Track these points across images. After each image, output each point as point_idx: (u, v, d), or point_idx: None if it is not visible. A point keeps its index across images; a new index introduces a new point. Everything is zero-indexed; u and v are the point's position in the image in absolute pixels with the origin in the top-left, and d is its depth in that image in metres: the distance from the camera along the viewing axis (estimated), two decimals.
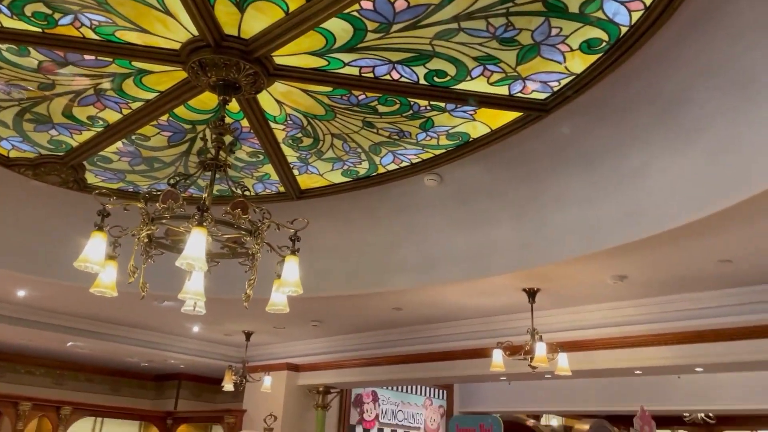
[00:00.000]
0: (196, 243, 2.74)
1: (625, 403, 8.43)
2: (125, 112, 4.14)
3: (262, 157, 4.78)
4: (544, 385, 9.05)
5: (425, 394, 10.41)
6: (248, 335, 8.08)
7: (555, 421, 11.80)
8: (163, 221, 3.03)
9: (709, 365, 5.64)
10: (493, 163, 4.62)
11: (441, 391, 10.65)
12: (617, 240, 4.32)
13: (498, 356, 5.75)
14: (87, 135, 4.45)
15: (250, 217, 3.14)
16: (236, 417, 8.69)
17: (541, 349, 5.32)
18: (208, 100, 3.96)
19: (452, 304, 6.14)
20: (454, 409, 10.62)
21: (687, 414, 11.56)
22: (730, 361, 5.36)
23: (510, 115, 4.05)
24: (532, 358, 5.36)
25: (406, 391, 10.07)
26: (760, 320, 5.02)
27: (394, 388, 9.83)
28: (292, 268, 3.07)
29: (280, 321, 7.23)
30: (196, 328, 8.06)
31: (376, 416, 9.54)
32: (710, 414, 11.54)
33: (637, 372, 6.22)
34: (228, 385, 7.71)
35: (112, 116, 4.20)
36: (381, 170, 4.89)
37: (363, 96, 3.88)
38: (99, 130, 4.38)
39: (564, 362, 5.57)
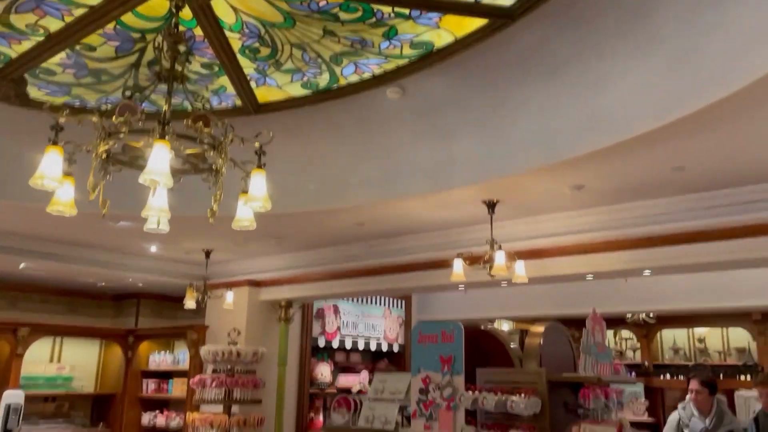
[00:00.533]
0: (160, 157, 2.64)
1: (575, 307, 8.82)
2: (68, 19, 3.86)
3: (217, 68, 4.58)
4: (499, 292, 9.42)
5: (384, 305, 10.71)
6: (208, 253, 8.05)
7: (506, 326, 12.41)
8: (121, 136, 2.90)
9: (657, 268, 5.94)
10: (456, 75, 4.56)
11: (399, 302, 10.98)
12: (577, 150, 4.38)
13: (458, 266, 5.91)
14: (27, 45, 4.15)
15: (212, 131, 3.04)
16: (199, 333, 8.79)
17: (500, 258, 5.49)
18: (157, 6, 3.72)
19: (414, 217, 6.21)
20: (412, 319, 11.00)
21: (630, 315, 12.32)
22: (677, 264, 5.66)
23: (475, 23, 3.96)
24: (491, 267, 5.54)
25: (366, 302, 10.34)
26: (707, 225, 5.26)
27: (355, 300, 10.07)
28: (259, 183, 3.01)
29: (241, 238, 7.20)
30: (153, 248, 7.97)
31: (338, 328, 9.80)
32: (651, 314, 12.33)
33: (589, 277, 6.52)
34: (190, 302, 7.74)
35: (53, 24, 3.91)
36: (342, 82, 4.76)
37: (324, 2, 3.71)
38: (40, 39, 4.08)
39: (521, 270, 5.78)
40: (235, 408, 7.36)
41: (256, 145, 3.10)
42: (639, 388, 9.37)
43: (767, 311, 11.12)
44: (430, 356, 4.86)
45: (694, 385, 4.73)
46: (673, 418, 4.83)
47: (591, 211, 5.72)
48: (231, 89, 4.88)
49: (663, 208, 5.33)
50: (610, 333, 13.36)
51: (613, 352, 5.10)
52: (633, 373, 11.44)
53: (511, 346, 5.18)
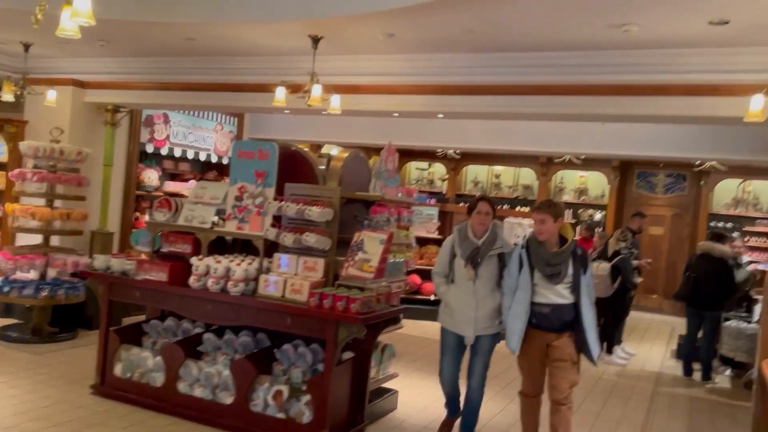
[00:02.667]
0: None
1: (388, 139, 9.93)
2: None
3: None
4: (323, 119, 10.17)
5: (217, 120, 11.04)
6: (27, 46, 7.71)
7: (335, 150, 13.45)
8: None
9: (448, 113, 7.01)
10: None
11: (232, 118, 11.36)
12: (387, 5, 5.01)
13: (281, 93, 6.51)
14: None
15: None
16: (17, 127, 8.62)
17: (316, 91, 6.17)
18: None
19: (244, 41, 6.54)
20: (243, 135, 11.51)
21: (440, 150, 13.92)
22: (463, 111, 6.77)
23: None
24: (309, 97, 6.22)
25: (198, 115, 10.59)
26: (491, 81, 6.25)
27: (186, 112, 10.26)
28: None
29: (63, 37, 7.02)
30: None
31: (167, 136, 10.06)
32: (457, 151, 14.05)
33: (395, 114, 7.47)
34: (7, 95, 7.55)
35: None
36: None
37: None
38: None
39: (336, 103, 6.55)
40: (58, 203, 7.61)
41: None
42: (434, 211, 11.06)
43: (550, 156, 13.28)
44: (247, 170, 5.46)
45: (484, 206, 4.71)
46: (447, 241, 4.90)
47: (399, 57, 6.50)
48: None
49: (457, 63, 6.26)
50: (419, 164, 15.07)
51: (399, 177, 5.95)
52: (434, 200, 13.26)
53: (320, 168, 5.97)
